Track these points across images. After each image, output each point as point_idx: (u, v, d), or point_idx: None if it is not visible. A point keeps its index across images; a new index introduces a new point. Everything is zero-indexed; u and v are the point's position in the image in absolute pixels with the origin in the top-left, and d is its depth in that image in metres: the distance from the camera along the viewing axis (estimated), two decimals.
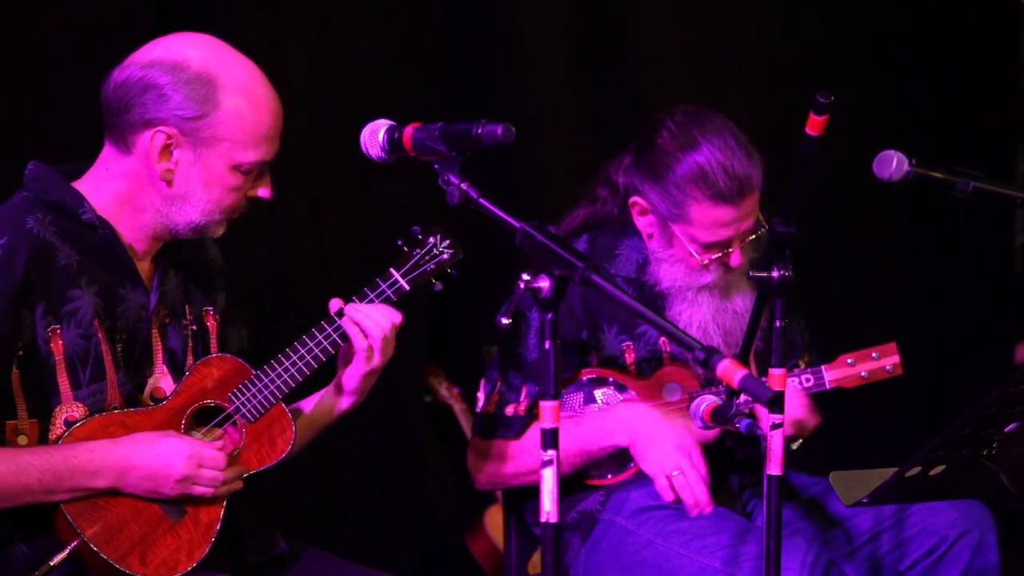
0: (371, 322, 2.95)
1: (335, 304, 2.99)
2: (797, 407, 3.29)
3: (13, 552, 2.78)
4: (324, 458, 4.31)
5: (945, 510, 3.27)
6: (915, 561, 3.29)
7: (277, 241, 4.24)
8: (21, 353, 2.75)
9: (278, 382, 2.92)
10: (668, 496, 3.23)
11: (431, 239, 3.01)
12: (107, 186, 2.86)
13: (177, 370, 2.93)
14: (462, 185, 2.56)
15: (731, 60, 5.01)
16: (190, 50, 2.83)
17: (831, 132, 2.83)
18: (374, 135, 2.71)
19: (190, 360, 2.95)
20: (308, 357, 2.93)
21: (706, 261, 3.30)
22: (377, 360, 2.98)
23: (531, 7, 4.65)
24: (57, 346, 2.78)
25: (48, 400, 2.78)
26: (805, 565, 3.04)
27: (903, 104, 5.33)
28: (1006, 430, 2.80)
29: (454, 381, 4.79)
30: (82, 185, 2.87)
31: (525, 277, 2.47)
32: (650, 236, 3.38)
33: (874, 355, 3.36)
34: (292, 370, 2.92)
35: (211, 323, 3.02)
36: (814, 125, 2.81)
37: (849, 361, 3.36)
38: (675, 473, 3.21)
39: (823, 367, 3.36)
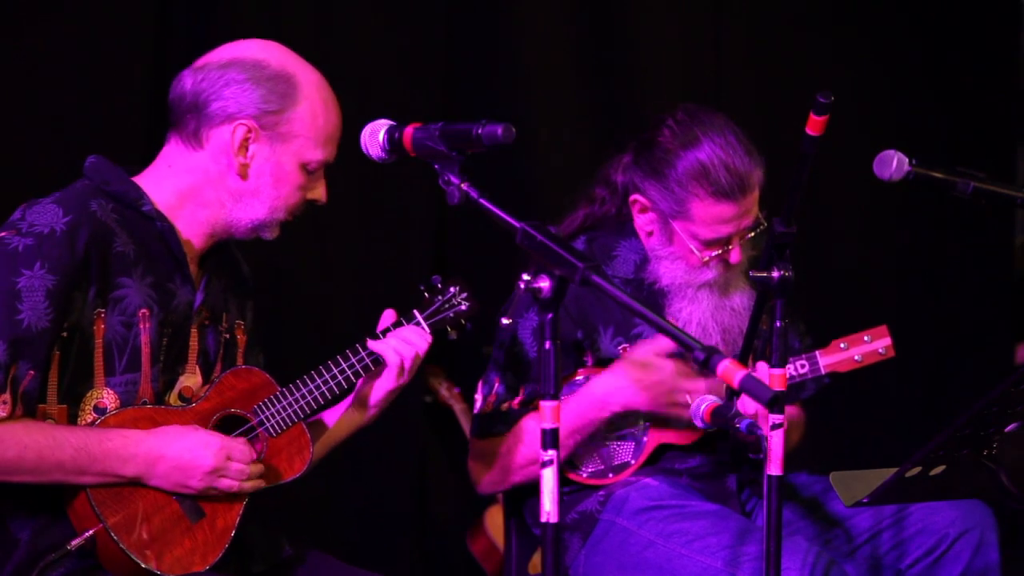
0: (405, 344, 3.02)
1: (389, 315, 3.05)
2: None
3: (20, 539, 2.78)
4: (324, 458, 4.31)
5: (945, 509, 3.27)
6: (915, 560, 3.29)
7: (277, 241, 4.23)
8: (65, 334, 2.76)
9: (302, 402, 2.95)
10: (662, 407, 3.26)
11: (451, 289, 3.11)
12: (169, 182, 2.91)
13: (207, 372, 2.96)
14: (462, 185, 2.56)
15: (731, 60, 5.02)
16: (263, 51, 2.91)
17: (831, 132, 2.84)
18: (374, 135, 2.71)
19: (218, 366, 2.99)
20: (337, 380, 2.97)
21: (706, 258, 3.31)
22: (405, 378, 3.04)
23: (531, 7, 4.65)
24: (99, 330, 2.80)
25: (81, 384, 2.80)
26: (806, 565, 3.04)
27: (903, 104, 5.33)
28: (1006, 430, 2.80)
29: (454, 381, 4.79)
30: (142, 181, 2.91)
31: (525, 277, 2.47)
32: (649, 234, 3.38)
33: (866, 338, 3.37)
34: (316, 392, 2.96)
35: (240, 336, 3.06)
36: (814, 125, 2.81)
37: (842, 345, 3.36)
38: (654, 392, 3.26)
39: (816, 352, 3.36)
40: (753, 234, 3.32)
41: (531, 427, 3.31)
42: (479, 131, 2.55)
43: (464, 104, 4.47)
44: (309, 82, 2.92)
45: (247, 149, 2.88)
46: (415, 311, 3.07)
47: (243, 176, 2.89)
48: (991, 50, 5.55)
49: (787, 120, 3.41)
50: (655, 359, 3.26)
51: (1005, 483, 2.85)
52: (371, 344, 3.00)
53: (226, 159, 2.88)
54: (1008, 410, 2.77)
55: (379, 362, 3.01)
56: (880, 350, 3.38)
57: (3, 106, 3.72)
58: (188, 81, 2.89)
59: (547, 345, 2.46)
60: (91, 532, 2.77)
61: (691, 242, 3.30)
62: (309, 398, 2.95)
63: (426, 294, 3.10)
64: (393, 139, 2.68)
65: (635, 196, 3.36)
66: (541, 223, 2.49)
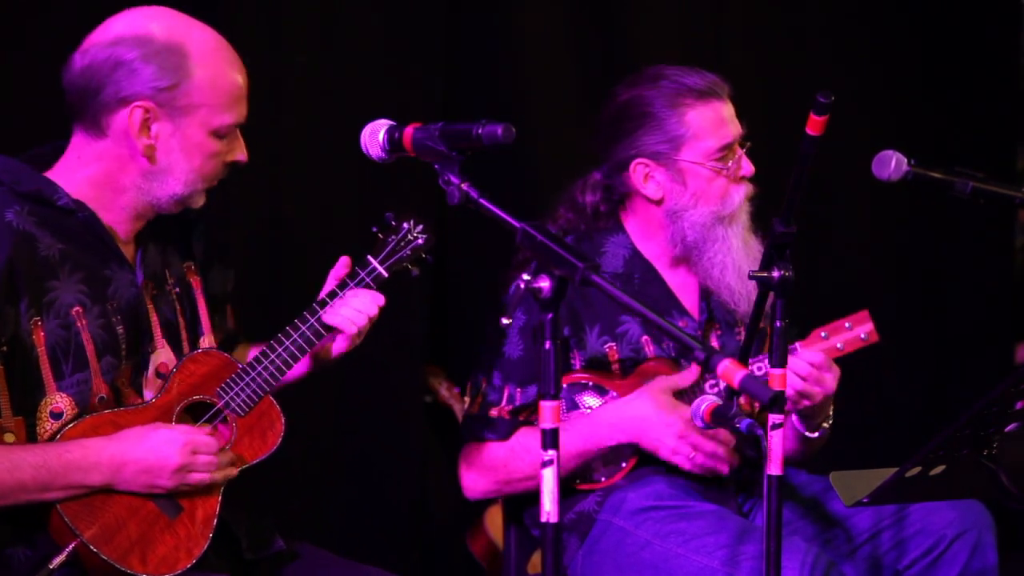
0: (357, 313, 2.98)
1: (343, 263, 3.01)
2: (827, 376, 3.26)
3: (14, 554, 2.77)
4: (324, 458, 4.32)
5: (943, 510, 3.27)
6: (913, 560, 3.29)
7: (278, 241, 4.24)
8: (5, 349, 2.73)
9: (265, 375, 2.92)
10: (698, 470, 3.29)
11: (405, 225, 3.04)
12: (81, 172, 2.84)
13: (175, 341, 2.93)
14: (462, 185, 2.56)
15: (731, 60, 5.01)
16: (150, 23, 2.81)
17: (831, 132, 2.84)
18: (374, 135, 2.71)
19: (181, 322, 2.95)
20: (292, 348, 2.94)
21: (719, 169, 3.31)
22: (360, 340, 3.02)
23: (531, 7, 4.65)
24: (39, 338, 2.76)
25: (32, 394, 2.76)
26: (805, 566, 3.04)
27: (903, 104, 5.33)
28: (1006, 430, 2.80)
29: (454, 381, 4.79)
30: (54, 175, 2.84)
31: (525, 277, 2.47)
32: (660, 201, 3.37)
33: (847, 325, 3.30)
34: (278, 362, 2.93)
35: (194, 279, 3.01)
36: (814, 125, 2.82)
37: (823, 335, 3.30)
38: (693, 454, 3.26)
39: (797, 343, 3.31)
40: (750, 144, 3.37)
41: (529, 444, 3.31)
42: (479, 131, 2.55)
43: (464, 104, 4.47)
44: (201, 48, 2.82)
45: (149, 130, 2.79)
46: (368, 256, 3.01)
47: (150, 158, 2.81)
48: (991, 50, 5.56)
49: (787, 120, 3.41)
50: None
51: (1005, 483, 2.85)
52: (325, 317, 2.95)
53: (130, 143, 2.80)
54: (1008, 410, 2.77)
55: (332, 328, 2.98)
56: (862, 336, 3.31)
57: (5, 105, 3.72)
58: (77, 65, 2.80)
59: (547, 345, 2.46)
60: (70, 548, 2.74)
61: (706, 163, 3.31)
62: (272, 368, 2.92)
63: (379, 235, 3.03)
64: (393, 139, 2.68)
65: (636, 162, 3.36)
66: (541, 223, 2.50)
